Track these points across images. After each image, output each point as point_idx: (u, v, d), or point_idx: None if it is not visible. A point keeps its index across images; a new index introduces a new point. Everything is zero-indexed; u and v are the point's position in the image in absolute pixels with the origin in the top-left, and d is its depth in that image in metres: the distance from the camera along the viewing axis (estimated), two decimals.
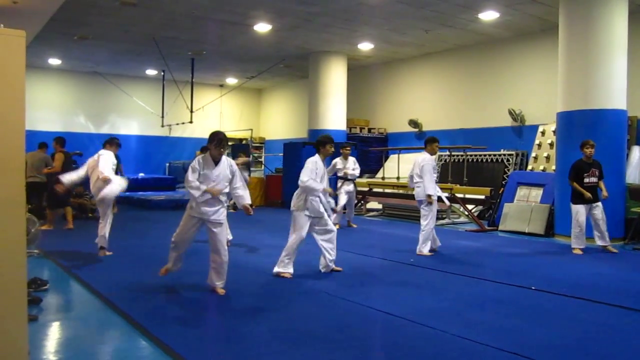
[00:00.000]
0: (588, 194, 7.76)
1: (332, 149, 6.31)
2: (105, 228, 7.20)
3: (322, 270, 6.41)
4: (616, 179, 9.05)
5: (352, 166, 10.74)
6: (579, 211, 7.87)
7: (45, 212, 10.09)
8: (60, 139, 10.27)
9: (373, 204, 14.09)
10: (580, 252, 7.88)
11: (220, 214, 5.28)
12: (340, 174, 10.73)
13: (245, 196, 5.39)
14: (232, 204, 14.26)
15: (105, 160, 7.28)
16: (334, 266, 6.40)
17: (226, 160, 5.28)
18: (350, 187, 10.66)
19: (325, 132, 14.79)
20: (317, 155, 6.29)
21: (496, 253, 8.00)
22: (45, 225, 9.71)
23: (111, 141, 7.74)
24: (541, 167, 11.77)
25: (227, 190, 5.29)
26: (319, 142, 6.29)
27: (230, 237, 8.11)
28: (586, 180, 7.84)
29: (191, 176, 5.16)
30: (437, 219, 11.89)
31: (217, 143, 5.14)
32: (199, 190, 5.13)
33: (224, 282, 5.35)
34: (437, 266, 6.81)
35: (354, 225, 10.87)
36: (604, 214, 7.90)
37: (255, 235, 9.49)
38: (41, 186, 10.05)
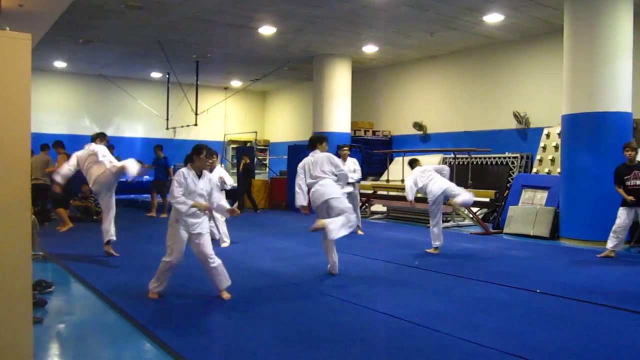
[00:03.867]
0: (630, 197, 7.54)
1: (323, 147, 6.60)
2: (108, 222, 7.26)
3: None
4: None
5: (351, 168, 9.85)
6: (621, 214, 7.65)
7: (52, 214, 10.12)
8: (58, 142, 10.31)
9: (377, 207, 14.07)
10: (612, 255, 7.69)
11: (203, 226, 5.20)
12: None
13: (222, 204, 5.50)
14: (236, 207, 14.29)
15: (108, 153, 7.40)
16: (330, 268, 6.45)
17: (208, 173, 5.31)
18: (349, 189, 9.43)
19: (329, 135, 14.96)
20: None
21: (501, 256, 7.98)
22: (63, 226, 9.77)
23: (102, 136, 7.68)
24: (546, 170, 11.73)
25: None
26: (309, 141, 6.66)
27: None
28: (628, 183, 7.62)
29: (176, 191, 5.04)
30: (442, 221, 11.95)
31: (197, 153, 5.13)
32: (186, 205, 5.04)
33: (226, 285, 5.26)
34: (441, 269, 6.80)
35: (361, 232, 10.14)
36: None
37: (259, 238, 9.48)
38: (45, 188, 10.09)
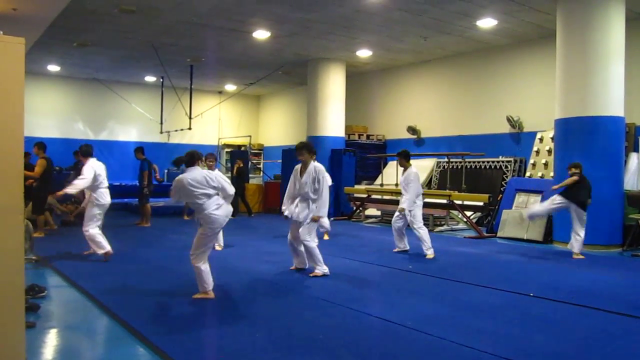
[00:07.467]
0: None
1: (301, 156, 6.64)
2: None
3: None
4: (614, 185, 9.07)
5: None
6: None
7: (36, 219, 9.99)
8: (42, 144, 9.72)
9: (372, 211, 14.09)
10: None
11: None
12: None
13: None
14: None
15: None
16: (315, 270, 6.59)
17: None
18: None
19: (323, 139, 15.01)
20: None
21: (494, 260, 8.00)
22: (36, 232, 9.62)
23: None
24: (539, 174, 11.79)
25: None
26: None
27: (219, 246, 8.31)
28: None
29: None
30: (436, 225, 12.00)
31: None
32: None
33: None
34: (435, 273, 6.81)
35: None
36: None
37: (253, 242, 9.47)
38: None
